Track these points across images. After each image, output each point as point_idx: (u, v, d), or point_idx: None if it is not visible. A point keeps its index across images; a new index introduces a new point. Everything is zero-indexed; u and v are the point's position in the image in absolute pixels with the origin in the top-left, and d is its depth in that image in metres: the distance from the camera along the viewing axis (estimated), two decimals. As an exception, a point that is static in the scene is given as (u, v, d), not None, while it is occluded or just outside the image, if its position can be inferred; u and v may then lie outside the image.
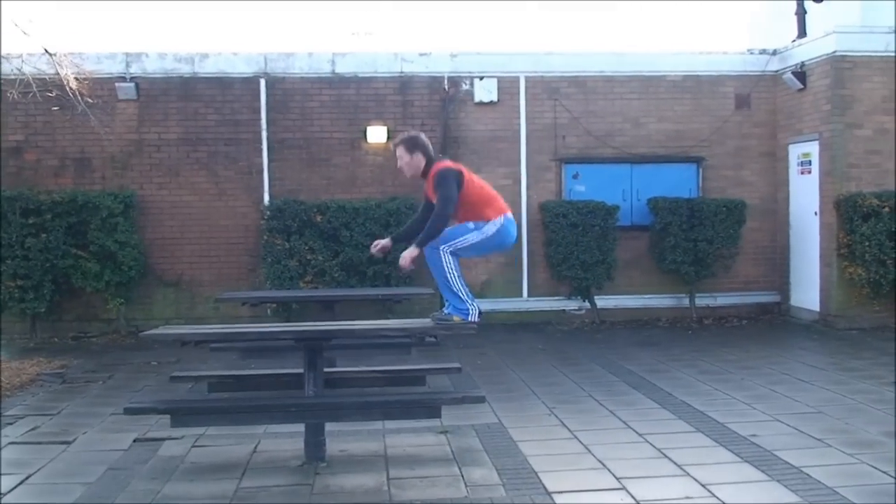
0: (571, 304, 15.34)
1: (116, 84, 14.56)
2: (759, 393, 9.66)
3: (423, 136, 7.47)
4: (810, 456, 7.25)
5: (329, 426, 7.53)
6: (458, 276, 7.20)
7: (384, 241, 7.63)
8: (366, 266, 14.01)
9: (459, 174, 7.24)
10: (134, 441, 8.04)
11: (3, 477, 7.03)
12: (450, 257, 7.16)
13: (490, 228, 7.25)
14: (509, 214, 7.40)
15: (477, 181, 7.40)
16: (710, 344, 13.11)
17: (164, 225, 14.87)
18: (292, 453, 7.46)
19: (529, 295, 15.39)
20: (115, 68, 14.70)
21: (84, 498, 6.57)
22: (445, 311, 7.35)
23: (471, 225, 7.24)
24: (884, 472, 6.77)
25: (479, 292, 15.17)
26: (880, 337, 13.29)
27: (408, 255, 7.15)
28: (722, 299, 15.62)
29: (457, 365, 8.76)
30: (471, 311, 7.26)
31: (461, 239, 7.20)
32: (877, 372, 10.74)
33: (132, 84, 14.66)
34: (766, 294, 15.84)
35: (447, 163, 7.39)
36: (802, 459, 7.12)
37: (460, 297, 7.22)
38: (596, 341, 13.44)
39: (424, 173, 7.35)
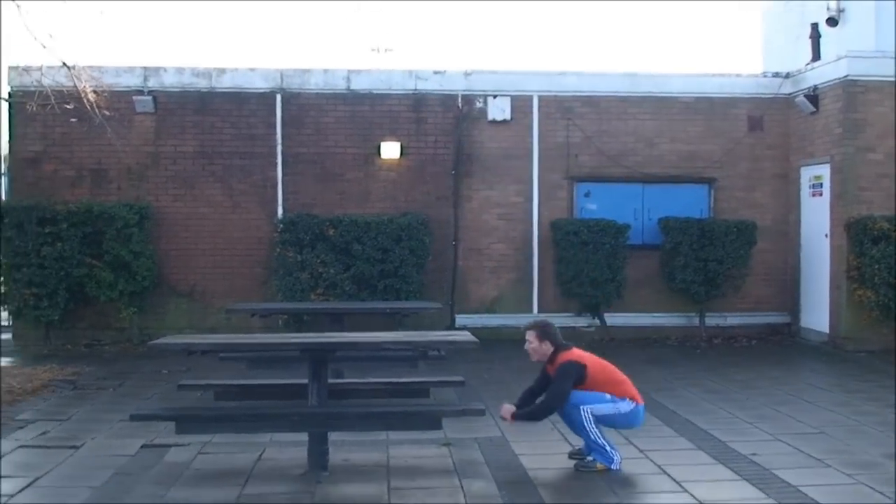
0: (581, 321, 15.41)
1: (134, 97, 14.78)
2: (762, 413, 9.71)
3: (552, 325, 7.71)
4: (809, 475, 7.29)
5: (333, 436, 7.62)
6: (599, 432, 7.39)
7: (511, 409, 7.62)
8: (377, 280, 14.14)
9: (582, 368, 7.43)
10: (141, 447, 8.16)
11: (12, 480, 7.15)
12: (590, 415, 7.35)
13: (625, 407, 7.45)
14: (641, 402, 7.59)
15: (604, 369, 7.60)
16: (718, 363, 13.15)
17: (179, 236, 15.06)
18: (296, 462, 7.55)
19: (539, 311, 15.45)
20: (133, 82, 14.92)
21: (90, 501, 6.68)
22: (589, 459, 7.48)
23: (608, 396, 7.42)
24: (881, 493, 6.81)
25: (489, 307, 15.34)
26: (888, 360, 13.28)
27: (509, 410, 7.48)
28: (732, 319, 15.66)
29: (460, 378, 8.86)
30: (615, 460, 7.42)
31: (598, 406, 7.38)
32: (881, 395, 10.76)
33: (150, 97, 14.88)
34: (776, 315, 15.86)
35: (572, 356, 7.54)
36: (801, 479, 7.17)
37: (605, 450, 7.39)
38: (604, 358, 13.45)
39: (550, 359, 7.59)
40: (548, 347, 7.56)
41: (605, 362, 7.68)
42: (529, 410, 7.52)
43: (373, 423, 7.52)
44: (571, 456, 7.71)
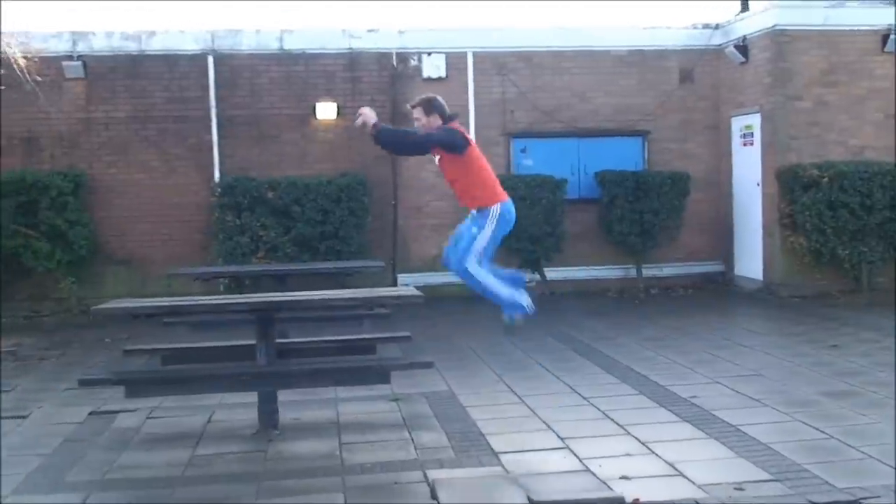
0: (521, 277, 15.54)
1: (63, 63, 14.51)
2: (700, 358, 9.96)
3: (439, 98, 7.57)
4: (747, 415, 7.52)
5: (282, 396, 7.68)
6: (493, 282, 7.38)
7: (369, 114, 7.35)
8: (317, 242, 14.15)
9: (464, 140, 7.34)
10: (89, 414, 8.14)
11: (-42, 451, 7.12)
12: (477, 268, 7.32)
13: (490, 223, 7.35)
14: (507, 201, 7.50)
15: (483, 161, 7.51)
16: (656, 312, 13.44)
17: (115, 203, 14.89)
18: (246, 423, 7.60)
19: (480, 268, 15.57)
20: (62, 47, 14.64)
21: (40, 468, 6.67)
22: (506, 318, 7.55)
23: (474, 230, 7.34)
24: (815, 429, 7.06)
25: (430, 266, 15.37)
26: (822, 304, 13.69)
27: (368, 114, 7.23)
28: (668, 270, 15.94)
29: (407, 334, 8.93)
30: (523, 304, 7.48)
31: (474, 249, 7.33)
32: (817, 336, 11.11)
33: (79, 63, 14.62)
34: (710, 264, 16.20)
35: (462, 129, 7.50)
36: (739, 418, 7.39)
37: (509, 299, 7.44)
38: (545, 312, 13.59)
39: None
40: (436, 120, 7.42)
41: (486, 161, 7.61)
42: (391, 131, 7.48)
43: (321, 380, 7.59)
44: (506, 331, 7.76)
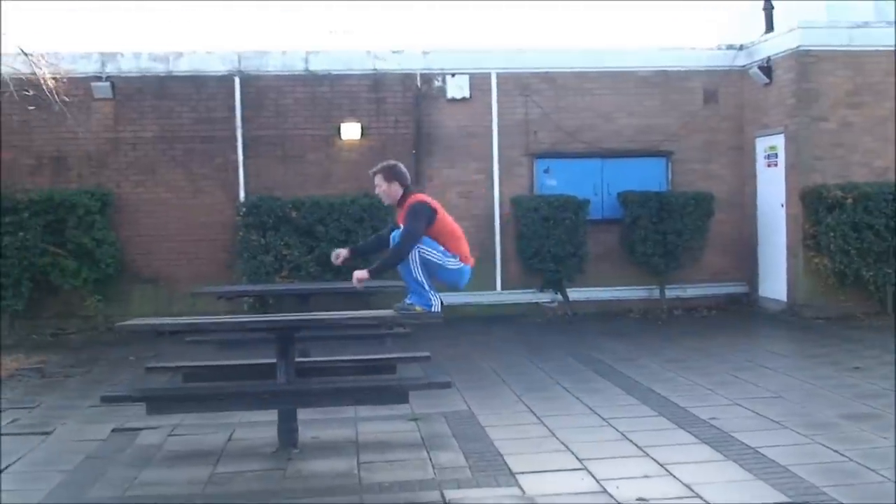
0: (544, 297, 15.58)
1: (92, 83, 14.72)
2: (722, 379, 9.94)
3: (400, 165, 7.67)
4: (766, 437, 7.51)
5: (302, 415, 7.74)
6: (422, 268, 7.40)
7: (344, 252, 7.82)
8: (341, 261, 14.21)
9: (433, 212, 7.45)
10: (112, 431, 8.23)
11: (-17, 466, 7.22)
12: (416, 255, 7.36)
13: (453, 263, 7.48)
14: (470, 264, 7.64)
15: (449, 221, 7.62)
16: (679, 334, 13.41)
17: (141, 222, 15.04)
18: (266, 441, 7.67)
19: (503, 288, 15.64)
20: (91, 68, 14.85)
21: (62, 485, 6.76)
22: (407, 301, 7.57)
23: (441, 248, 7.43)
24: (835, 451, 7.04)
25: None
26: (846, 326, 13.61)
27: (359, 276, 7.39)
28: (692, 290, 15.90)
29: (426, 354, 8.97)
30: (433, 302, 7.49)
31: (430, 251, 7.38)
32: (839, 358, 11.05)
33: (108, 83, 14.82)
34: (734, 285, 16.14)
35: (423, 197, 7.61)
36: (758, 440, 7.38)
37: (424, 288, 7.44)
38: (567, 332, 13.70)
39: (400, 202, 7.57)
40: (397, 189, 7.53)
41: (448, 216, 7.69)
42: (381, 262, 7.50)
43: (340, 399, 7.64)
44: (396, 309, 7.71)
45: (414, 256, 7.36)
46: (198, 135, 15.16)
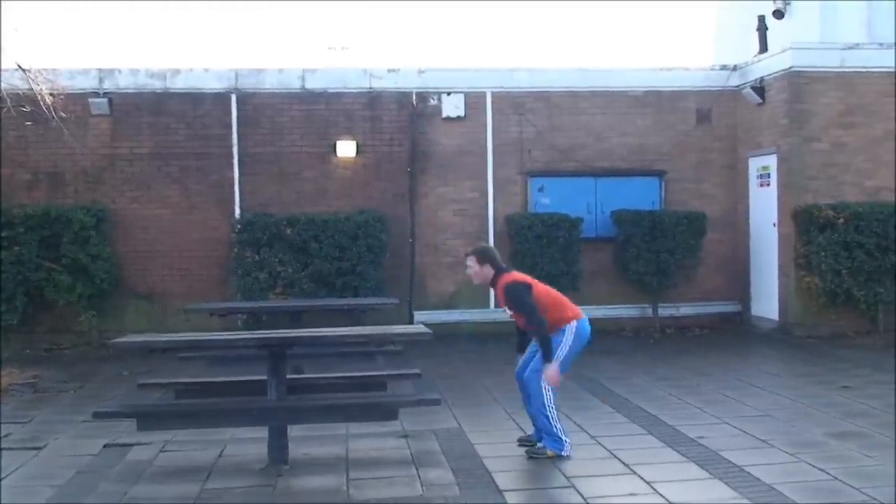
0: (537, 315, 15.59)
1: (89, 99, 14.82)
2: (711, 398, 10.00)
3: (492, 249, 7.99)
4: (753, 455, 7.58)
5: (293, 432, 7.80)
6: (555, 409, 7.58)
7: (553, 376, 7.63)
8: (334, 278, 14.29)
9: (529, 287, 7.64)
10: (103, 447, 8.27)
11: (-26, 481, 7.26)
12: (549, 392, 7.54)
13: (568, 337, 7.62)
14: (582, 318, 7.74)
15: (546, 290, 7.80)
16: (670, 352, 13.47)
17: (137, 238, 15.10)
18: (256, 457, 7.71)
19: (496, 306, 15.64)
20: (88, 84, 14.94)
21: (53, 499, 6.81)
22: (540, 445, 7.68)
23: (559, 340, 7.58)
24: (821, 470, 7.10)
25: (447, 303, 15.51)
26: (837, 345, 13.67)
27: (552, 375, 7.48)
28: (684, 309, 15.96)
29: (416, 371, 9.05)
30: (565, 446, 7.60)
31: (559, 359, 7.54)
32: (829, 377, 11.12)
33: (105, 99, 14.92)
34: (727, 304, 16.20)
35: (514, 277, 7.76)
36: (745, 459, 7.45)
37: (555, 430, 7.58)
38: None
39: (493, 283, 7.81)
40: (489, 271, 7.75)
41: (542, 284, 7.86)
42: (543, 352, 7.54)
43: (330, 416, 7.70)
44: (521, 443, 7.92)
45: (547, 397, 7.54)
46: (194, 151, 15.24)
